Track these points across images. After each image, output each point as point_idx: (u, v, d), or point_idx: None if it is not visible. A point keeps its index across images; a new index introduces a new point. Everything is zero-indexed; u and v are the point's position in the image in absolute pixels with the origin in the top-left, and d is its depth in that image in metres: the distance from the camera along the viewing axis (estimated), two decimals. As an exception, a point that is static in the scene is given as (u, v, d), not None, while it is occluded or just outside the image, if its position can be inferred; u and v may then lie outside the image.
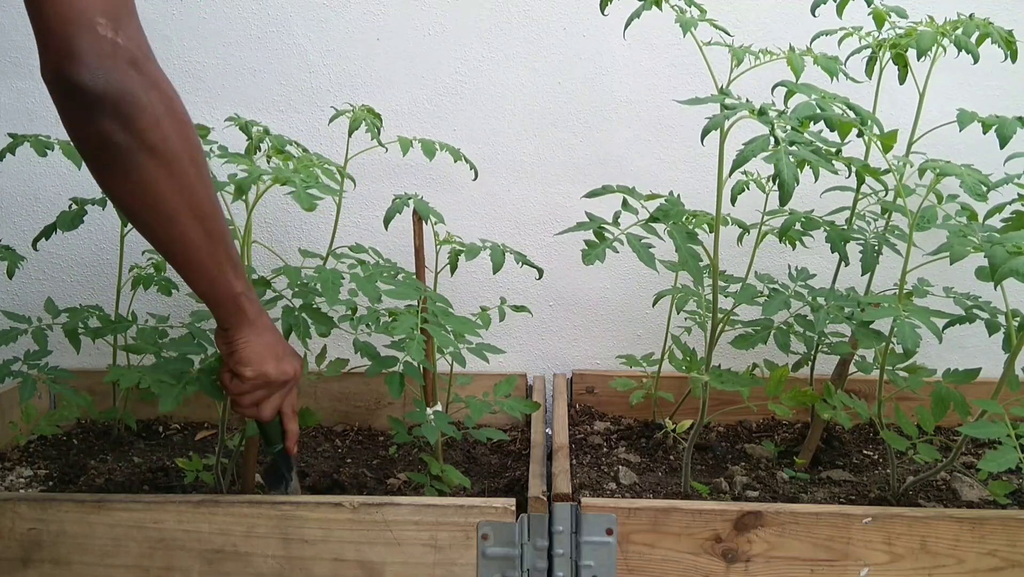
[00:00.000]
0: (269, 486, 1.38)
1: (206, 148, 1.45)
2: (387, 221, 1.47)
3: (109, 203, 1.55)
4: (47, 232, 1.57)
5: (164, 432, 1.82)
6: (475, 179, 1.61)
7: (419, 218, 1.48)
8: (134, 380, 1.56)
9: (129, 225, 1.60)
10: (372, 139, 1.51)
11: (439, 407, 1.49)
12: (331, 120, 1.55)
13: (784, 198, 1.12)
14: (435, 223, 1.48)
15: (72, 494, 1.35)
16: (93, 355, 1.85)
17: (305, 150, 1.54)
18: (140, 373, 1.56)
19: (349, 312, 1.46)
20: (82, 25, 0.91)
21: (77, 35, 0.91)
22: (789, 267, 1.62)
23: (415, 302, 1.38)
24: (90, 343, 1.62)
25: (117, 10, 0.94)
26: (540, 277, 1.56)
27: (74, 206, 1.57)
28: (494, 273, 1.49)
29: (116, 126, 0.94)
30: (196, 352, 1.35)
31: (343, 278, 1.33)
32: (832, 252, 1.44)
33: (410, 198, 1.49)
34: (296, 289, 1.35)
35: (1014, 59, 1.42)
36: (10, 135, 1.54)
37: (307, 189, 1.18)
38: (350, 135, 1.51)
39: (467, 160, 1.59)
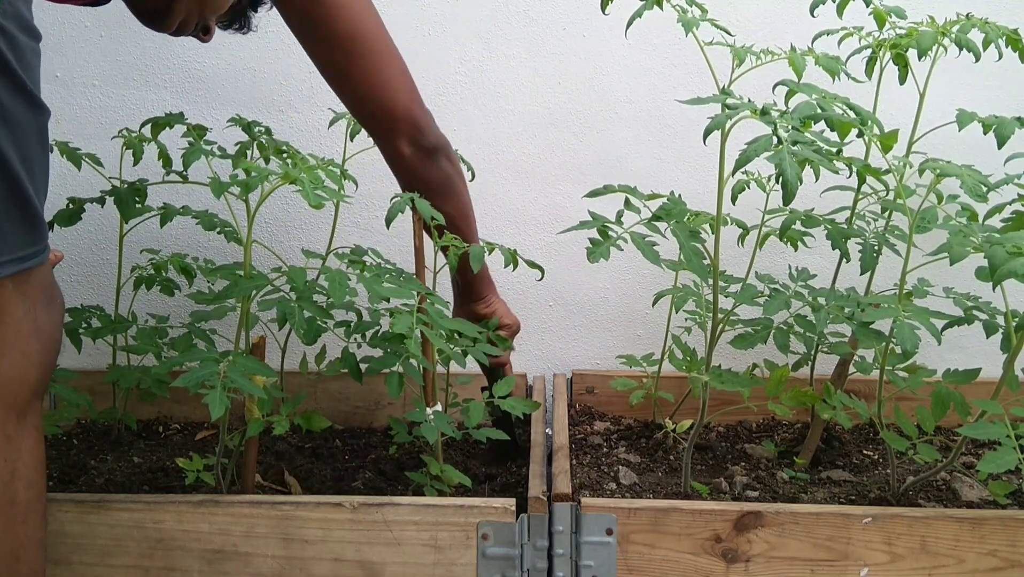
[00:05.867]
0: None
1: (207, 148, 1.46)
2: (389, 221, 1.47)
3: (108, 201, 1.54)
4: None
5: (164, 432, 1.82)
6: (472, 180, 1.61)
7: (420, 218, 1.47)
8: (134, 380, 1.56)
9: (129, 225, 1.60)
10: (368, 137, 1.51)
11: (439, 407, 1.48)
12: (331, 123, 1.55)
13: (787, 197, 1.12)
14: (435, 223, 1.48)
15: (72, 494, 1.34)
16: (93, 355, 1.85)
17: (297, 152, 1.54)
18: (140, 373, 1.57)
19: (351, 322, 1.46)
20: (416, 106, 1.41)
21: (419, 112, 1.41)
22: (789, 267, 1.62)
23: (412, 301, 1.38)
24: (90, 343, 1.62)
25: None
26: (541, 278, 1.56)
27: (71, 206, 1.57)
28: (505, 266, 1.51)
29: (447, 163, 1.45)
30: (204, 356, 1.32)
31: (349, 279, 1.33)
32: (833, 249, 1.44)
33: (411, 198, 1.49)
34: (292, 285, 1.35)
35: (1023, 58, 1.41)
36: None
37: (314, 189, 1.18)
38: (352, 139, 1.51)
39: (464, 160, 1.58)
